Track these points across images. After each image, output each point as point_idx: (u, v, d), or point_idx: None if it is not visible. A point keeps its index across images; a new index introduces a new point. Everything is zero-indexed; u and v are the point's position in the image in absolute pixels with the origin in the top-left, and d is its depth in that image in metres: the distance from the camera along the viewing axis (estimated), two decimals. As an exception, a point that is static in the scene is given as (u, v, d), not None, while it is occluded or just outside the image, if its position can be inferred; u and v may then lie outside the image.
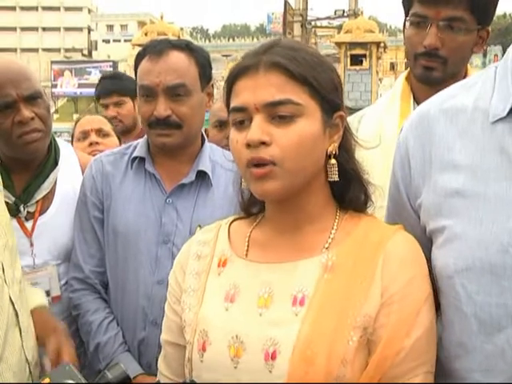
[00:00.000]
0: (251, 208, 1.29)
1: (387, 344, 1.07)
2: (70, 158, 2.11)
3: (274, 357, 1.08)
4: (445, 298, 1.12)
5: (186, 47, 1.88)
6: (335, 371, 1.05)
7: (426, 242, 1.17)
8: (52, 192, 2.03)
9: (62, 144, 2.14)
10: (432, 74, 1.80)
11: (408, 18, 1.82)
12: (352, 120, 1.93)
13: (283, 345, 1.08)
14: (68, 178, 2.05)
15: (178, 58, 1.86)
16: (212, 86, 1.97)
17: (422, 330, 1.09)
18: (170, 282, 1.31)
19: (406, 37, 1.86)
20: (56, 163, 2.04)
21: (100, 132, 2.88)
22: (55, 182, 2.03)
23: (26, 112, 1.84)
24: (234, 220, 1.31)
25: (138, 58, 1.90)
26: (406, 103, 1.90)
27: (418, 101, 1.88)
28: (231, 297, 1.17)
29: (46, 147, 1.99)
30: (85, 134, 2.90)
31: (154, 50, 1.86)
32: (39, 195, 1.99)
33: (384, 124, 1.90)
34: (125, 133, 3.34)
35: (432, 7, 1.75)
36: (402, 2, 1.88)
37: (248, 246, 1.22)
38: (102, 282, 1.94)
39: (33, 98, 1.87)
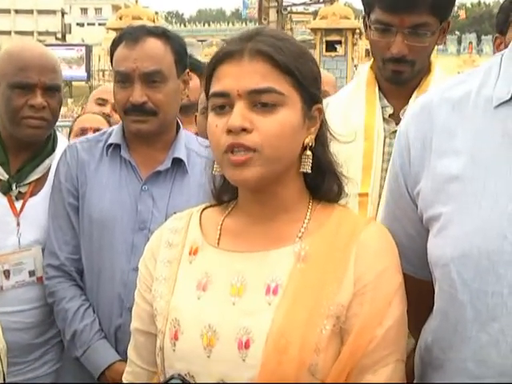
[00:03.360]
0: (223, 195, 1.28)
1: (360, 333, 1.08)
2: None
3: (247, 346, 1.08)
4: (439, 287, 1.11)
5: (162, 34, 1.88)
6: (308, 360, 1.06)
7: (423, 233, 1.16)
8: (45, 177, 2.06)
9: (61, 137, 2.20)
10: (401, 76, 1.83)
11: (371, 24, 1.83)
12: None
13: (256, 334, 1.08)
14: None
15: (154, 45, 1.86)
16: (188, 73, 1.96)
17: (394, 320, 1.10)
18: (140, 270, 1.30)
19: (371, 39, 1.87)
20: (53, 151, 2.09)
21: (97, 132, 2.95)
22: (49, 169, 2.07)
23: (41, 99, 1.93)
24: (206, 208, 1.30)
25: (114, 44, 1.89)
26: (371, 92, 1.92)
27: (382, 90, 1.92)
28: (203, 285, 1.16)
29: (45, 137, 2.05)
30: (83, 132, 3.02)
31: (130, 36, 1.86)
32: (32, 177, 2.03)
33: (349, 113, 1.91)
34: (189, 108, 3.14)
35: (395, 15, 1.75)
36: (362, 2, 1.88)
37: (220, 234, 1.22)
38: (77, 270, 1.94)
39: (51, 90, 1.97)
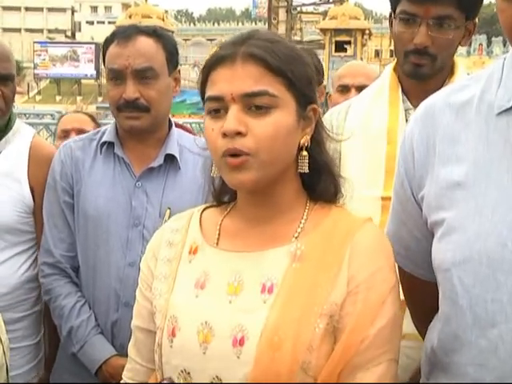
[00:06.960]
0: (222, 196, 1.30)
1: (352, 332, 1.09)
2: (22, 142, 2.12)
3: (241, 343, 1.09)
4: (442, 292, 1.12)
5: (153, 33, 1.91)
6: (301, 357, 1.07)
7: (429, 236, 1.16)
8: None
9: (26, 128, 2.18)
10: (421, 70, 1.81)
11: (396, 15, 1.81)
12: (339, 110, 1.96)
13: (251, 331, 1.09)
14: (11, 158, 2.06)
15: (146, 43, 1.88)
16: (179, 71, 1.99)
17: (387, 320, 1.10)
18: (141, 269, 1.32)
19: (394, 33, 1.86)
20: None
21: (81, 132, 2.86)
22: None
23: None
24: (206, 208, 1.32)
25: (106, 44, 1.92)
26: (394, 94, 1.90)
27: (405, 92, 1.90)
28: (201, 284, 1.18)
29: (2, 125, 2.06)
30: (65, 133, 2.94)
31: (122, 35, 1.89)
32: None
33: (371, 115, 1.90)
34: None
35: (421, 5, 1.74)
36: None
37: (219, 234, 1.24)
38: (72, 267, 1.95)
39: (5, 79, 1.98)
